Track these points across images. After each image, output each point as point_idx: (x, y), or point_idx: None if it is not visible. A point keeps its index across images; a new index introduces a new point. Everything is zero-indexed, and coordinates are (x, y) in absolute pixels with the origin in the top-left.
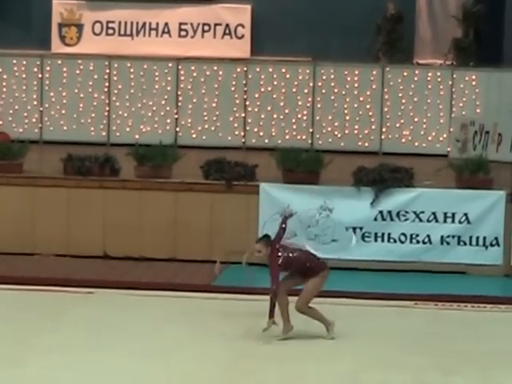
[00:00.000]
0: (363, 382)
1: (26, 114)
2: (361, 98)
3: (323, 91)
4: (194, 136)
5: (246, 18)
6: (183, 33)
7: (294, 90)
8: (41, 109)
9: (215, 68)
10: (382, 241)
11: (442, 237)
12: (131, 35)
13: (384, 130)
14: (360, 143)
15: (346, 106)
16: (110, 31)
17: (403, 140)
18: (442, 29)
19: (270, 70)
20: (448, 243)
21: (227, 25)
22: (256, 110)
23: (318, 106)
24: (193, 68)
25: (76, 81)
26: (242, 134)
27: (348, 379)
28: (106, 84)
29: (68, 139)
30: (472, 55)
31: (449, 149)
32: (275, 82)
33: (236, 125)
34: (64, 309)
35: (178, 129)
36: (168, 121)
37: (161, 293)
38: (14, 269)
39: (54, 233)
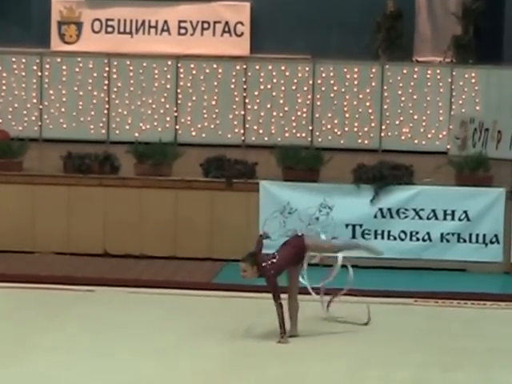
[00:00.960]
0: (363, 380)
1: (25, 112)
2: (360, 96)
3: (323, 89)
4: (193, 134)
5: (245, 15)
6: (182, 31)
7: (294, 87)
8: (40, 107)
9: (215, 66)
10: (382, 238)
11: (441, 234)
12: (130, 33)
13: (384, 127)
14: (360, 141)
15: (345, 103)
16: (110, 29)
17: (403, 137)
18: (441, 26)
19: (270, 67)
20: (448, 240)
21: (226, 22)
22: (255, 107)
23: (318, 103)
24: (192, 66)
25: (75, 79)
26: (242, 131)
27: (348, 376)
28: (106, 82)
29: (67, 137)
30: (472, 52)
31: (448, 146)
32: (275, 80)
33: (236, 122)
34: (64, 307)
35: (177, 126)
36: (168, 118)
37: (161, 291)
38: (14, 267)
39: (54, 231)
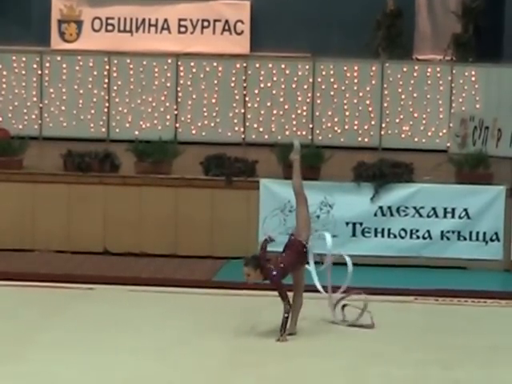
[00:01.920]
0: (364, 377)
1: (25, 111)
2: (360, 94)
3: (323, 87)
4: (193, 132)
5: (245, 13)
6: (182, 29)
7: (294, 85)
8: (40, 105)
9: (215, 64)
10: (382, 236)
11: (441, 232)
12: (131, 31)
13: (384, 125)
14: (360, 139)
15: (345, 101)
16: (110, 27)
17: (403, 135)
18: (441, 24)
19: (270, 65)
20: (448, 238)
21: (226, 21)
22: (256, 105)
23: (318, 101)
24: (192, 64)
25: (75, 77)
26: (242, 129)
27: (348, 374)
28: (106, 80)
29: (68, 135)
30: (471, 50)
31: (448, 144)
32: (275, 78)
33: (236, 121)
34: (64, 305)
35: (177, 125)
36: (168, 117)
37: (161, 289)
38: (14, 265)
39: (54, 229)
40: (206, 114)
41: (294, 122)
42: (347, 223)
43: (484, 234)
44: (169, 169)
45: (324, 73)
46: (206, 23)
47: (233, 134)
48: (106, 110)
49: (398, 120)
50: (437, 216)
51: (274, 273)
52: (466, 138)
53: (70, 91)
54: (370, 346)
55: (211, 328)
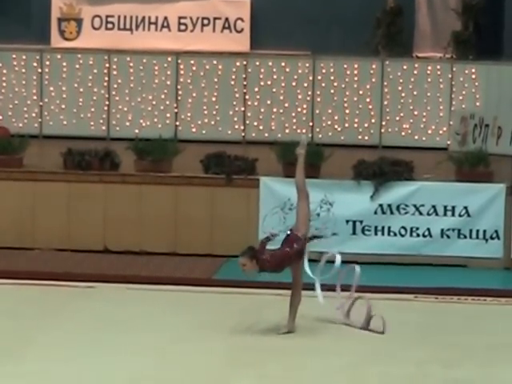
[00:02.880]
0: (363, 375)
1: (25, 109)
2: (360, 92)
3: (323, 85)
4: (193, 130)
5: (245, 11)
6: (182, 27)
7: (294, 83)
8: (40, 103)
9: (215, 62)
10: (382, 234)
11: (442, 230)
12: (130, 29)
13: (384, 123)
14: (360, 137)
15: (345, 99)
16: (110, 25)
17: (403, 133)
18: (441, 22)
19: (270, 63)
20: (448, 236)
21: (226, 19)
22: (256, 103)
23: (318, 99)
24: (192, 62)
25: (76, 75)
26: (242, 127)
27: (349, 372)
28: (106, 78)
29: (68, 134)
30: (472, 48)
31: (449, 142)
32: (275, 76)
33: (236, 119)
34: (64, 303)
35: (177, 123)
36: (168, 115)
37: (161, 287)
38: (14, 263)
39: (54, 227)
40: (206, 112)
41: (294, 120)
42: (347, 221)
43: (484, 232)
44: (169, 167)
45: (324, 71)
46: (205, 21)
47: (233, 132)
48: (106, 108)
49: (398, 118)
50: (437, 214)
51: (269, 261)
52: (466, 136)
53: (70, 89)
54: (369, 344)
55: (211, 326)
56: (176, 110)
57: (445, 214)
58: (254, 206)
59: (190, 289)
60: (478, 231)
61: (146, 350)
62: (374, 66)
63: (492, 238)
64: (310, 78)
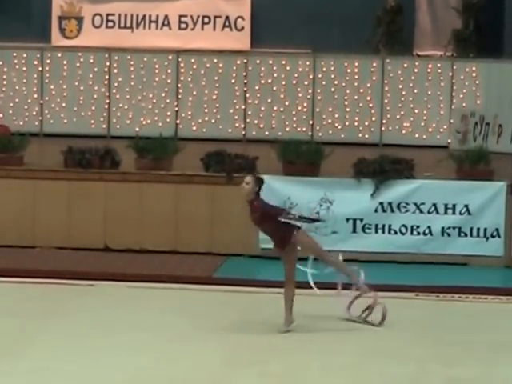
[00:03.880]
0: (364, 374)
1: (26, 107)
2: (361, 90)
3: (323, 83)
4: (194, 128)
5: (245, 9)
6: (183, 25)
7: (294, 81)
8: (41, 102)
9: (215, 60)
10: (383, 232)
11: (442, 228)
12: (131, 28)
13: (384, 121)
14: (360, 135)
15: (346, 97)
16: (110, 24)
17: (403, 131)
18: (441, 20)
19: (270, 62)
20: (449, 234)
21: (227, 17)
22: (256, 102)
23: (319, 97)
24: (193, 60)
25: (76, 73)
26: (243, 126)
27: (349, 370)
28: (106, 77)
29: (68, 132)
30: (472, 46)
31: (449, 140)
32: (275, 74)
33: (236, 117)
34: (64, 301)
35: (178, 121)
36: (168, 113)
37: (162, 285)
38: (15, 261)
39: (55, 225)
40: (206, 110)
41: (295, 119)
42: (347, 219)
43: (485, 230)
44: (169, 165)
45: (324, 69)
46: (206, 19)
47: (233, 131)
48: (106, 106)
49: (398, 116)
50: (437, 212)
51: (260, 205)
52: (466, 134)
53: (70, 88)
54: (370, 342)
55: (211, 325)
56: (176, 109)
57: (445, 212)
58: None
59: (191, 287)
60: (478, 229)
61: (146, 348)
62: (374, 64)
63: (493, 236)
64: (311, 76)
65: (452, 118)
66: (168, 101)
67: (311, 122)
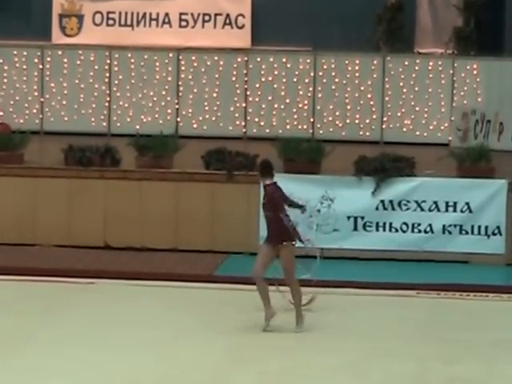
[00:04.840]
0: (365, 372)
1: (26, 105)
2: (362, 88)
3: (324, 81)
4: (194, 126)
5: (246, 7)
6: (184, 23)
7: (295, 79)
8: (41, 99)
9: (216, 58)
10: (384, 230)
11: (443, 226)
12: (132, 26)
13: (385, 119)
14: (361, 132)
15: (346, 95)
16: (111, 22)
17: (404, 129)
18: (442, 18)
19: (271, 59)
20: (450, 232)
21: (227, 15)
22: (257, 99)
23: (319, 95)
24: (193, 58)
25: (77, 71)
26: (243, 123)
27: (350, 368)
28: (107, 74)
29: (69, 130)
30: (473, 44)
31: (450, 138)
32: (276, 72)
33: (237, 115)
34: (65, 299)
35: (178, 119)
36: (169, 111)
37: (162, 283)
38: (15, 259)
39: (55, 223)
40: (207, 108)
41: (295, 116)
42: (348, 217)
43: (486, 227)
44: (170, 163)
45: (325, 67)
46: (207, 17)
47: (234, 128)
48: (107, 104)
49: (399, 114)
50: (438, 210)
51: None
52: (467, 132)
53: (71, 85)
54: (371, 340)
55: (212, 323)
56: (177, 106)
57: (446, 210)
58: (254, 202)
59: (191, 285)
60: (479, 227)
61: (146, 346)
62: (375, 62)
63: (494, 233)
64: (311, 73)
65: (453, 116)
66: (168, 99)
67: (312, 120)
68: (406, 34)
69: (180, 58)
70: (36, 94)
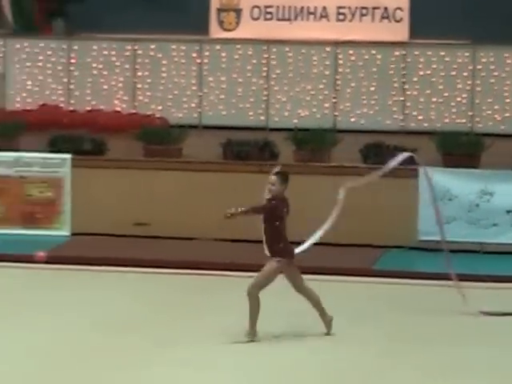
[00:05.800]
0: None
1: (184, 100)
2: None
3: (482, 74)
4: (352, 120)
5: (403, 1)
6: (341, 17)
7: (453, 73)
8: (200, 94)
9: (373, 52)
10: None
11: None
12: (289, 19)
13: None
14: None
15: (505, 88)
16: (268, 16)
17: None
18: None
19: (429, 53)
20: None
21: (385, 8)
22: (415, 93)
23: (478, 89)
24: (351, 52)
25: (234, 66)
26: (401, 117)
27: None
28: (265, 69)
29: (227, 124)
30: None
31: None
32: (434, 66)
33: (395, 109)
34: (221, 292)
35: (336, 113)
36: (326, 105)
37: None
38: (174, 253)
39: (212, 217)
40: (364, 102)
41: (454, 110)
42: (508, 212)
43: None
44: (327, 157)
45: (484, 60)
46: (364, 11)
47: (392, 122)
48: (264, 98)
49: None
50: None
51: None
52: None
53: (228, 80)
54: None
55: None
56: (334, 100)
57: None
58: (412, 196)
59: (351, 279)
60: None
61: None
62: None
63: None
64: (470, 67)
65: None
66: (326, 93)
67: (470, 114)
68: None
69: (337, 52)
70: (194, 88)
